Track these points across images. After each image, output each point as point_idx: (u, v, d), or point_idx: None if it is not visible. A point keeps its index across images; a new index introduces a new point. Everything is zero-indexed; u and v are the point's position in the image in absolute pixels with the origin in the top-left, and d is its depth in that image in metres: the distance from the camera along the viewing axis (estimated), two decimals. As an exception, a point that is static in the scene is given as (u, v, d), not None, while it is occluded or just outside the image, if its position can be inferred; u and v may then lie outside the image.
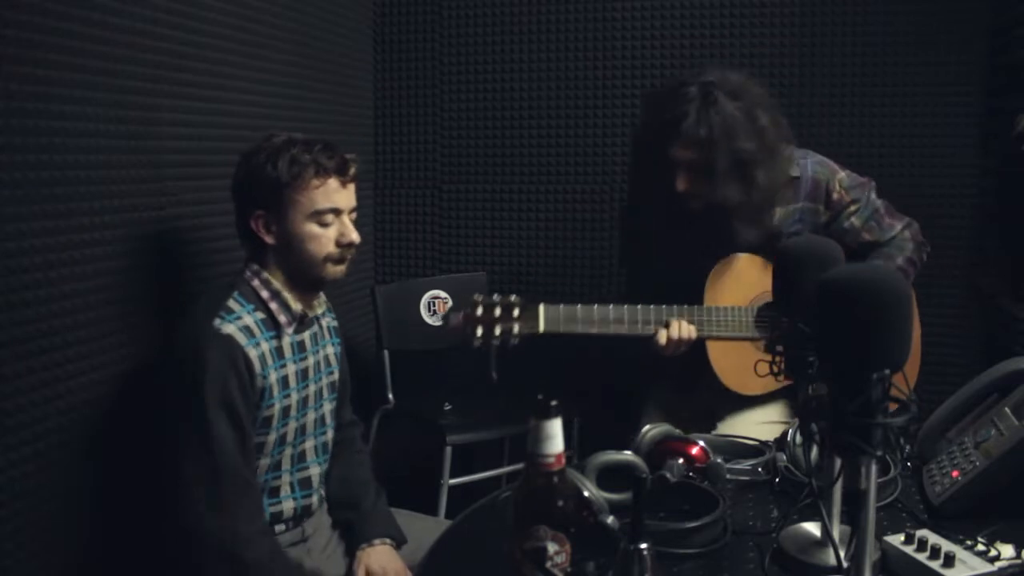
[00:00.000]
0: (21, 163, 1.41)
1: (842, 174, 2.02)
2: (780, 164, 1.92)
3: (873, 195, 2.02)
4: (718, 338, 1.89)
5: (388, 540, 1.67)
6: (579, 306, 1.83)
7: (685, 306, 1.88)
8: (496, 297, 1.80)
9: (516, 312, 1.80)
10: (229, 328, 1.47)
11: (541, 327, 1.81)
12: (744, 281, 1.94)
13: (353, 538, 1.68)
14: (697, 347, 1.89)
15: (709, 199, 1.86)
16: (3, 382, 1.38)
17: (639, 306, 1.86)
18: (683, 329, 1.84)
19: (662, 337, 1.84)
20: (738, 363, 1.92)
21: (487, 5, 2.81)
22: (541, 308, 1.81)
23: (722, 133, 1.82)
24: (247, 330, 1.49)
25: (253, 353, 1.48)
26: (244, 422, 1.47)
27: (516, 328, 1.79)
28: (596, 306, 1.84)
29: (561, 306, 1.82)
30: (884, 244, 2.02)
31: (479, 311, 1.79)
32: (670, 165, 1.88)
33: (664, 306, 1.87)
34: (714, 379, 1.94)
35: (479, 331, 1.78)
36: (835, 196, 1.99)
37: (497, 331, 1.79)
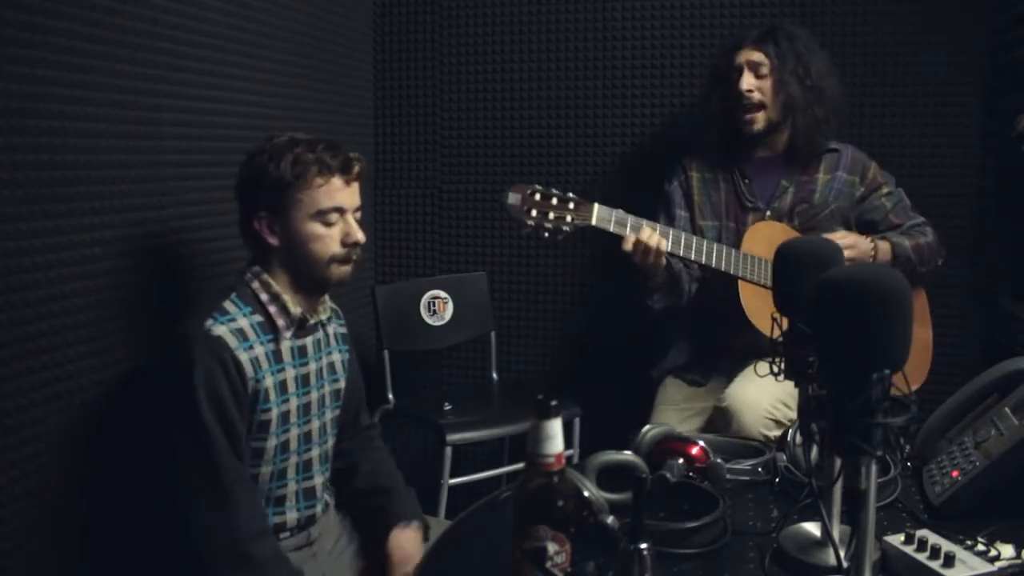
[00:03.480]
0: (21, 163, 1.41)
1: (875, 164, 2.27)
2: (837, 87, 2.21)
3: (900, 189, 2.28)
4: (747, 280, 2.06)
5: (418, 524, 1.67)
6: (631, 216, 2.00)
7: (724, 247, 2.06)
8: (553, 189, 1.97)
9: (571, 205, 1.96)
10: (220, 329, 1.45)
11: (594, 220, 1.96)
12: (776, 242, 2.03)
13: (385, 518, 1.67)
14: (729, 300, 2.05)
15: (776, 102, 2.14)
16: (3, 382, 1.38)
17: (683, 232, 2.06)
18: (652, 238, 1.98)
19: (628, 241, 1.98)
20: (766, 307, 2.00)
21: (487, 5, 2.81)
22: (596, 205, 1.97)
23: (786, 43, 2.14)
24: (240, 333, 1.48)
25: (244, 357, 1.46)
26: (236, 424, 1.45)
27: (569, 218, 1.95)
28: (646, 220, 2.02)
29: (615, 210, 1.99)
30: (906, 229, 2.23)
31: (537, 196, 1.95)
32: (737, 72, 2.15)
33: (705, 239, 2.07)
34: (740, 337, 2.05)
35: (534, 213, 1.94)
36: (870, 175, 2.24)
37: (551, 216, 1.94)
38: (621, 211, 1.99)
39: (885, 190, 2.23)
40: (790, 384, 1.96)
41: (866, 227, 2.24)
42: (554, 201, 1.94)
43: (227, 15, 2.02)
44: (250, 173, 1.54)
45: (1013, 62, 2.34)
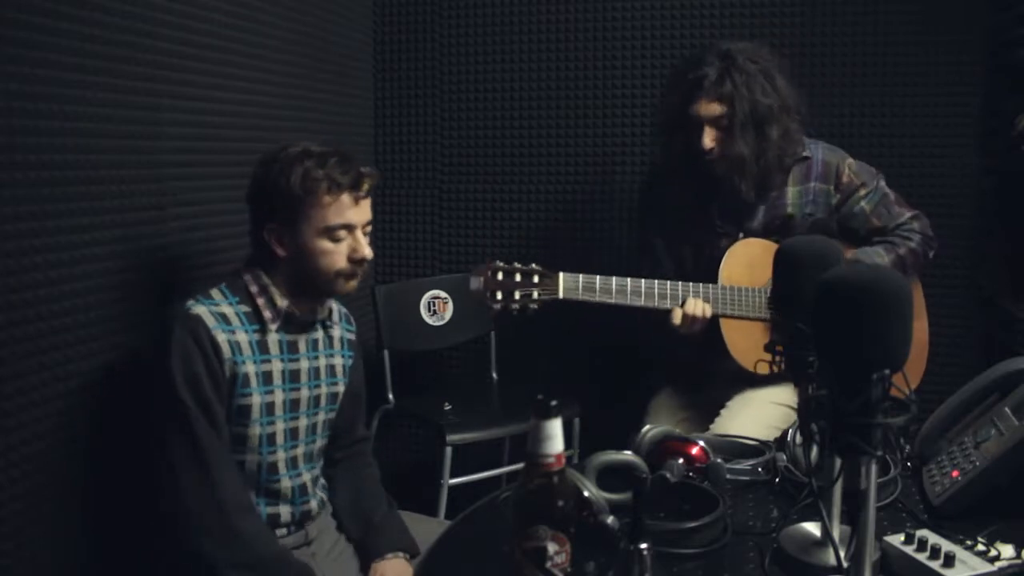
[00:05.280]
0: (21, 163, 1.41)
1: (851, 159, 2.11)
2: (793, 125, 2.04)
3: (882, 182, 2.12)
4: (731, 316, 1.95)
5: (401, 554, 1.65)
6: (598, 276, 1.90)
7: (701, 284, 1.95)
8: (516, 264, 1.86)
9: (536, 278, 1.86)
10: (199, 309, 1.48)
11: (561, 293, 1.87)
12: (758, 264, 1.96)
13: (366, 551, 1.66)
14: (710, 330, 1.96)
15: (729, 155, 1.98)
16: (3, 382, 1.38)
17: (656, 280, 1.93)
18: (698, 307, 1.90)
19: (677, 316, 1.90)
20: (751, 342, 1.97)
21: (487, 5, 2.81)
22: (561, 275, 1.87)
23: (743, 87, 1.96)
24: (221, 316, 1.50)
25: (221, 337, 1.48)
26: (212, 403, 1.47)
27: (536, 294, 1.85)
28: (615, 278, 1.91)
29: (580, 275, 1.89)
30: (890, 232, 2.10)
31: (499, 276, 1.84)
32: (695, 125, 1.99)
33: (680, 283, 1.94)
34: (725, 363, 1.99)
35: (499, 295, 1.84)
36: (845, 179, 2.08)
37: (517, 295, 1.85)
38: (584, 275, 1.89)
39: (863, 192, 2.08)
40: (770, 419, 1.94)
41: (848, 235, 2.12)
42: (517, 277, 1.85)
43: (227, 15, 2.02)
44: (261, 183, 1.55)
45: (1013, 62, 2.34)
